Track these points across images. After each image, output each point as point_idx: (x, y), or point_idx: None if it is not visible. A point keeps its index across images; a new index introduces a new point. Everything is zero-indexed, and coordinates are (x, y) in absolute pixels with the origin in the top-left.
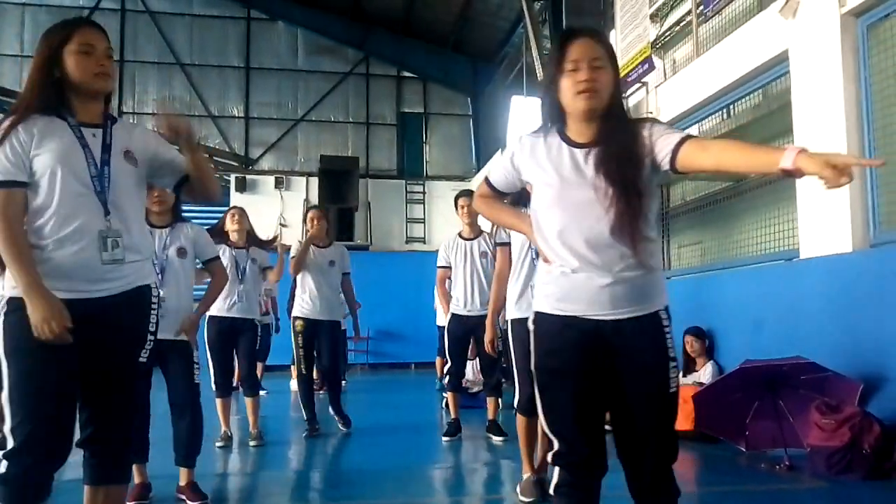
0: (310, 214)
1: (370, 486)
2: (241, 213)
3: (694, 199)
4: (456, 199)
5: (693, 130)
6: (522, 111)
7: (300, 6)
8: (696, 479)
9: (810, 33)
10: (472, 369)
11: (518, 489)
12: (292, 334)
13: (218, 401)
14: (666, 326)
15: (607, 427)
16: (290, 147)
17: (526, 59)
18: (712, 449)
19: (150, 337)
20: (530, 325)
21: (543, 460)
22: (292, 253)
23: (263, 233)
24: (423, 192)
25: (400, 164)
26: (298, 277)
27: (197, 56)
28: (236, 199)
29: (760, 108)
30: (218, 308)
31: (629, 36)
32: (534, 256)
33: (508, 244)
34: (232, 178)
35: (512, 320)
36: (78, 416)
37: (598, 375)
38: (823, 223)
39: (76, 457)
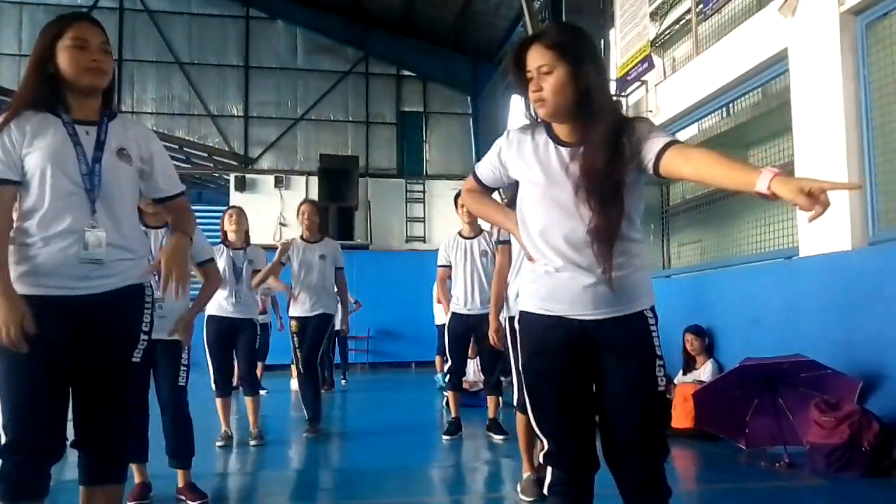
0: (301, 208)
1: (371, 486)
2: (240, 213)
3: (693, 197)
4: (456, 197)
5: (693, 129)
6: (522, 110)
7: (299, 5)
8: (696, 477)
9: (809, 32)
10: (472, 369)
11: (518, 488)
12: (290, 334)
13: (218, 400)
14: (652, 325)
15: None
16: (290, 146)
17: None
18: (712, 447)
19: (144, 336)
20: (516, 325)
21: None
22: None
23: (263, 232)
24: (423, 192)
25: (400, 163)
26: (292, 274)
27: (196, 55)
28: (236, 198)
29: (760, 106)
30: (216, 308)
31: (629, 34)
32: None
33: (508, 242)
34: (231, 177)
35: (511, 318)
36: (72, 415)
37: (584, 375)
38: (822, 221)
39: (76, 457)
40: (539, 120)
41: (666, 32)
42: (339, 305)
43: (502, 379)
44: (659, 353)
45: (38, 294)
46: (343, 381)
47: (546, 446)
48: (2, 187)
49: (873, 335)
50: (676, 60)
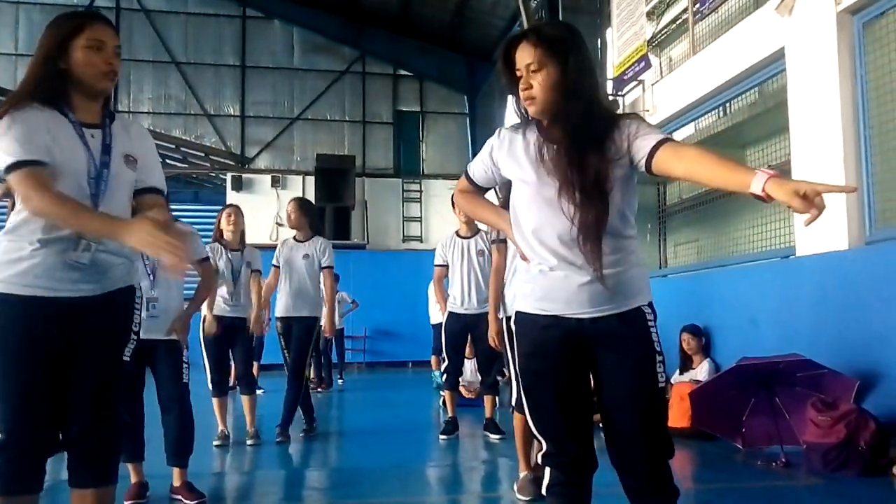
0: (287, 207)
1: (367, 485)
2: (238, 212)
3: (690, 197)
4: (453, 197)
5: (689, 128)
6: (514, 108)
7: (296, 4)
8: (692, 477)
9: (806, 31)
10: (470, 369)
11: (515, 487)
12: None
13: (214, 400)
14: (650, 321)
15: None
16: (287, 146)
17: None
18: (709, 446)
19: (134, 336)
20: (512, 325)
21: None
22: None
23: (260, 232)
24: (420, 191)
25: (396, 162)
26: (280, 274)
27: (192, 54)
28: (232, 197)
29: (756, 105)
30: (214, 307)
31: (625, 34)
32: None
33: (505, 241)
34: (228, 176)
35: (508, 318)
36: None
37: (582, 374)
38: (819, 221)
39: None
40: (530, 118)
41: (663, 32)
42: (346, 309)
43: (499, 379)
44: (659, 350)
45: (31, 295)
46: (340, 381)
47: (544, 447)
48: (40, 168)
49: (870, 335)
50: (673, 60)
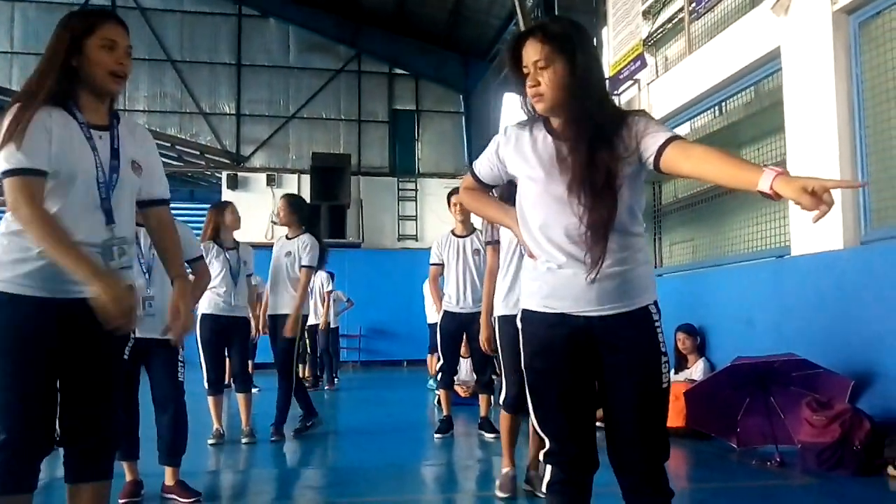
0: (278, 204)
1: (362, 484)
2: (236, 209)
3: (686, 196)
4: (449, 196)
5: (685, 127)
6: (515, 108)
7: (291, 3)
8: (686, 476)
9: (802, 30)
10: (465, 368)
11: (497, 484)
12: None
13: (210, 398)
14: (656, 321)
15: (599, 424)
16: (282, 144)
17: None
18: (703, 445)
19: (132, 336)
20: (518, 323)
21: (535, 458)
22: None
23: (255, 230)
24: (415, 190)
25: (392, 161)
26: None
27: (188, 53)
28: (227, 196)
29: (752, 105)
30: (211, 306)
31: (621, 33)
32: (522, 253)
33: (497, 242)
34: (223, 175)
35: (499, 317)
36: (59, 412)
37: (587, 373)
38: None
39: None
40: (536, 115)
41: (658, 31)
42: (342, 308)
43: (493, 378)
44: (663, 350)
45: (32, 295)
46: (335, 379)
47: (548, 445)
48: (35, 178)
49: (865, 334)
50: (669, 59)
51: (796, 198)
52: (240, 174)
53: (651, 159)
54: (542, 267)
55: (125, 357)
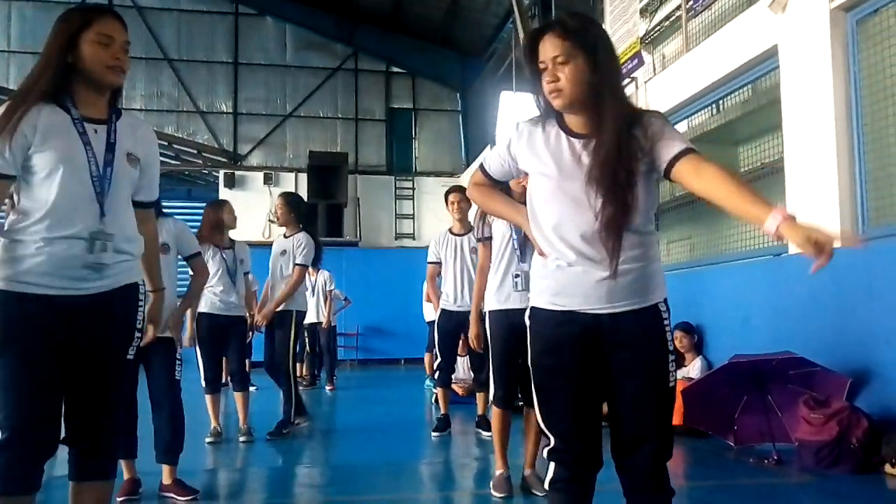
0: (275, 203)
1: (360, 482)
2: (232, 207)
3: (683, 194)
4: (446, 194)
5: (683, 126)
6: (511, 106)
7: (288, 1)
8: (684, 474)
9: (800, 28)
10: (462, 367)
11: (491, 485)
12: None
13: (207, 397)
14: (665, 319)
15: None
16: (279, 143)
17: (515, 55)
18: (701, 444)
19: (137, 334)
20: (526, 320)
21: (534, 456)
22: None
23: (253, 229)
24: (413, 189)
25: (389, 160)
26: None
27: (185, 51)
28: (225, 195)
29: (750, 103)
30: (208, 305)
31: (619, 31)
32: (514, 248)
33: (489, 239)
34: (220, 174)
35: (490, 312)
36: (64, 412)
37: (595, 372)
38: (812, 219)
39: (67, 452)
40: (551, 111)
41: (656, 29)
42: (340, 306)
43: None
44: (671, 348)
45: (35, 293)
46: (334, 378)
47: (552, 443)
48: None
49: (863, 332)
50: (666, 57)
51: (801, 246)
52: (237, 173)
53: (663, 167)
54: (551, 265)
55: (131, 356)
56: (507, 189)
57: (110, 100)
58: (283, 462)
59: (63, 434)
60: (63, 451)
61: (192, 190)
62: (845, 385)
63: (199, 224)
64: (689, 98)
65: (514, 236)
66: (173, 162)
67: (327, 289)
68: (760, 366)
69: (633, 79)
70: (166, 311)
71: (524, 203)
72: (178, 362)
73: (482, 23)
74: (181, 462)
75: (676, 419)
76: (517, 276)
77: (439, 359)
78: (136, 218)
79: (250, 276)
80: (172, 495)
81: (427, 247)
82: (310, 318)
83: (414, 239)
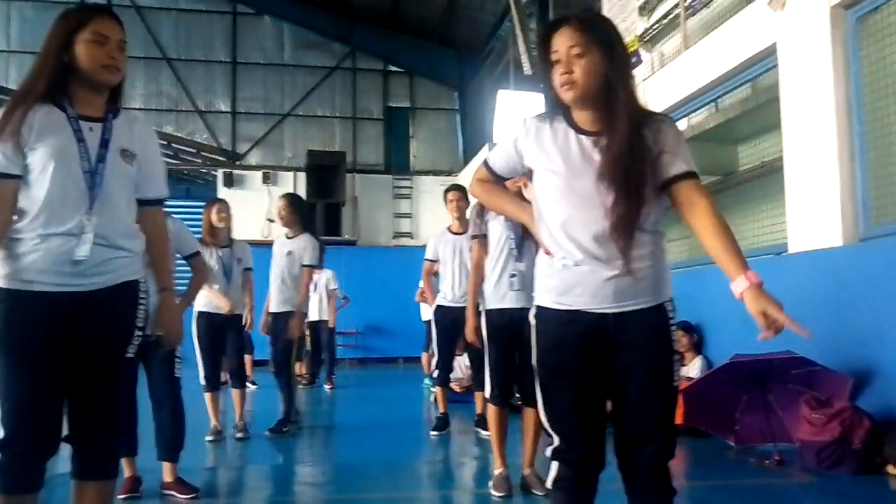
0: (278, 204)
1: (359, 481)
2: (226, 206)
3: None
4: (445, 193)
5: (682, 124)
6: (509, 105)
7: (286, 0)
8: (684, 474)
9: (799, 26)
10: (459, 366)
11: (490, 484)
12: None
13: (207, 395)
14: (671, 319)
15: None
16: (277, 142)
17: (513, 53)
18: (701, 443)
19: (138, 332)
20: (531, 319)
21: (532, 455)
22: None
23: (251, 228)
24: (411, 188)
25: (387, 158)
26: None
27: (183, 51)
28: (223, 194)
29: (749, 101)
30: (207, 304)
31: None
32: (511, 248)
33: (484, 236)
34: (219, 173)
35: (486, 310)
36: (66, 410)
37: (600, 372)
38: (812, 217)
39: (69, 450)
40: (560, 106)
41: (654, 27)
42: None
43: None
44: (676, 349)
45: (33, 290)
46: (332, 376)
47: (556, 443)
48: (4, 181)
49: (865, 332)
50: (665, 55)
51: (754, 315)
52: (235, 172)
53: (662, 181)
54: (557, 263)
55: (131, 355)
56: None
57: (110, 99)
58: (282, 460)
59: (66, 432)
60: (66, 449)
61: (191, 189)
62: (847, 385)
63: (198, 223)
64: (687, 96)
65: (512, 236)
66: (172, 161)
67: (330, 288)
68: (761, 365)
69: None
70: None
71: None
72: (177, 360)
73: (480, 21)
74: (181, 460)
75: (676, 419)
76: (513, 275)
77: (437, 356)
78: (143, 217)
79: (251, 274)
80: (173, 493)
81: (425, 245)
82: (311, 317)
83: (412, 238)
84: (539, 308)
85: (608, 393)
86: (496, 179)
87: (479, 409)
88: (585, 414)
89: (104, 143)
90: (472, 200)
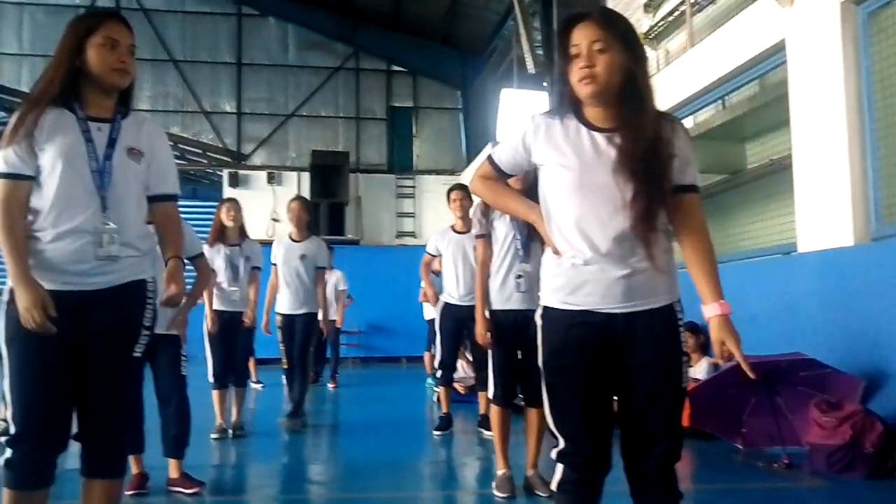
0: (291, 205)
1: (362, 480)
2: (237, 206)
3: None
4: (449, 192)
5: (688, 122)
6: (512, 104)
7: (290, 2)
8: (691, 477)
9: (808, 22)
10: (462, 367)
11: (493, 485)
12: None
13: (214, 393)
14: (680, 319)
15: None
16: (282, 142)
17: (516, 52)
18: (707, 446)
19: (146, 332)
20: (538, 320)
21: (535, 456)
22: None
23: (256, 227)
24: (414, 187)
25: (390, 158)
26: (279, 273)
27: (189, 52)
28: (229, 194)
29: (756, 98)
30: (217, 302)
31: None
32: (517, 248)
33: (489, 236)
34: (225, 173)
35: (491, 311)
36: (75, 408)
37: (607, 372)
38: (822, 217)
39: (78, 447)
40: (572, 102)
41: (660, 24)
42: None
43: None
44: (684, 350)
45: (44, 289)
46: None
47: (561, 445)
48: (20, 182)
49: (877, 333)
50: (670, 52)
51: (713, 342)
52: (240, 172)
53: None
54: (566, 262)
55: (139, 354)
56: None
57: (120, 101)
58: (286, 458)
59: (75, 430)
60: (76, 445)
61: (197, 189)
62: (859, 387)
63: (203, 223)
64: (694, 94)
65: (518, 236)
66: (179, 162)
67: (339, 289)
68: (769, 367)
69: None
70: (170, 309)
71: None
72: (183, 358)
73: (483, 20)
74: (187, 457)
75: (683, 421)
76: (519, 276)
77: (440, 356)
78: (157, 212)
79: (258, 274)
80: (179, 489)
81: (427, 244)
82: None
83: (415, 237)
84: (546, 308)
85: (616, 394)
86: (500, 176)
87: (482, 410)
88: (592, 416)
89: (111, 143)
90: (476, 199)
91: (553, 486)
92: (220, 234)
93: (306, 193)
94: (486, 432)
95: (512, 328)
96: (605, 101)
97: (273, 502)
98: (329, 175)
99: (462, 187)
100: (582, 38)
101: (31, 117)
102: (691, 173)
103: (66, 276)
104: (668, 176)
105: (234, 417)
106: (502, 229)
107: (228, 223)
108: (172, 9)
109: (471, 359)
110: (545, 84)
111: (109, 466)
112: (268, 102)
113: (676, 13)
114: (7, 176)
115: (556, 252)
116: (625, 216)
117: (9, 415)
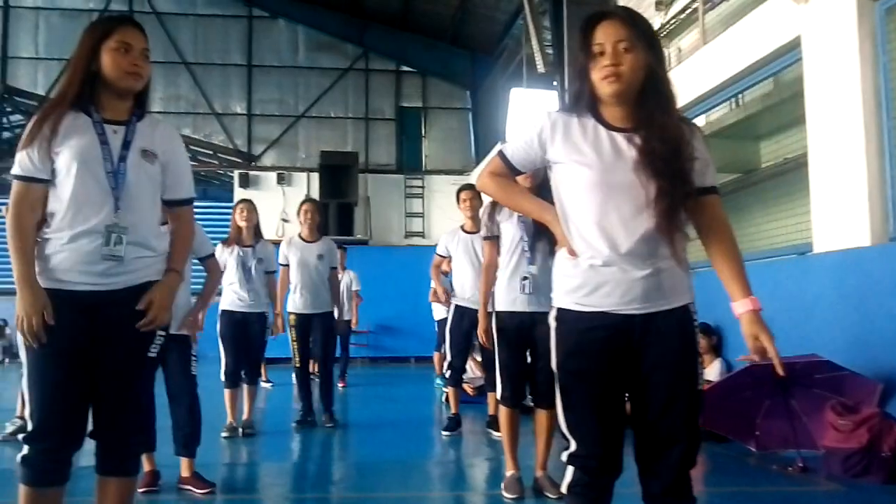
0: (303, 207)
1: (370, 479)
2: (251, 207)
3: None
4: (458, 192)
5: (700, 121)
6: (522, 104)
7: (300, 3)
8: (703, 480)
9: (824, 18)
10: (471, 368)
11: (502, 486)
12: (288, 329)
13: (226, 392)
14: (695, 320)
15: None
16: (292, 143)
17: (525, 51)
18: (720, 448)
19: (160, 332)
20: (552, 322)
21: (545, 457)
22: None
23: (266, 228)
24: (422, 187)
25: (399, 158)
26: (290, 274)
27: (201, 55)
28: (239, 194)
29: (771, 96)
30: (230, 303)
31: None
32: (524, 250)
33: (497, 237)
34: (235, 174)
35: (497, 312)
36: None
37: (622, 375)
38: (839, 216)
39: (93, 444)
40: (575, 104)
41: (672, 22)
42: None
43: None
44: (699, 351)
45: (60, 289)
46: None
47: (573, 447)
48: (33, 185)
49: (894, 336)
50: (682, 50)
51: (745, 338)
52: (251, 173)
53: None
54: (583, 263)
55: (153, 354)
56: None
57: (136, 104)
58: (296, 457)
59: (91, 427)
60: (88, 443)
61: (208, 190)
62: (877, 390)
63: (213, 223)
64: (707, 92)
65: (525, 238)
66: (190, 163)
67: (353, 289)
68: (784, 369)
69: None
70: (181, 309)
71: None
72: (193, 358)
73: (492, 20)
74: (198, 456)
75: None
76: (525, 278)
77: (449, 357)
78: (173, 217)
79: (272, 277)
80: (190, 488)
81: (436, 245)
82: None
83: (424, 237)
84: (560, 310)
85: (630, 397)
86: (510, 173)
87: (491, 410)
88: (606, 419)
89: (126, 145)
90: (486, 200)
91: (563, 489)
92: (237, 236)
93: (315, 194)
94: (494, 433)
95: (517, 330)
96: (624, 100)
97: (283, 501)
98: (338, 175)
99: (472, 187)
100: (606, 36)
101: (49, 122)
102: (711, 174)
103: (83, 276)
104: (691, 175)
105: (245, 416)
106: (509, 231)
107: (241, 223)
108: (184, 12)
109: (479, 360)
110: (554, 83)
111: (123, 464)
112: (278, 104)
113: (688, 11)
114: (21, 178)
115: (572, 253)
116: (648, 215)
117: (27, 412)
